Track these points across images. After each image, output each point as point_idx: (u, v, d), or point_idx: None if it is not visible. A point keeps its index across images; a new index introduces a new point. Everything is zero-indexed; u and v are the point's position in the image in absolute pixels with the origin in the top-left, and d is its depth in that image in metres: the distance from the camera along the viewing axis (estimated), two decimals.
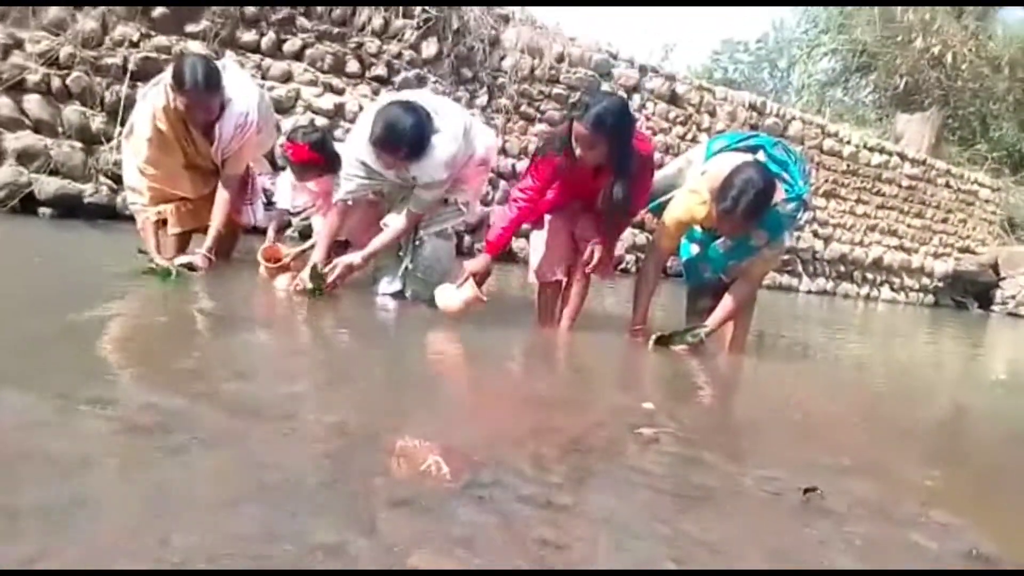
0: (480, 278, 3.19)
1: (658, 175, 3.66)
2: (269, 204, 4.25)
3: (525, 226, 3.51)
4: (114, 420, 1.45)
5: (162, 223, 3.65)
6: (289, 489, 1.26)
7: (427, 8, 7.05)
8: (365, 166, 3.35)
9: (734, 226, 3.08)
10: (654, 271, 3.50)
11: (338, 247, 3.83)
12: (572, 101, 2.93)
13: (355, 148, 3.38)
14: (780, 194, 3.12)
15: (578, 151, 3.05)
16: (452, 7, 7.21)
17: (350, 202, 3.45)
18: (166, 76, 3.45)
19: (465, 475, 1.40)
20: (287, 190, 4.04)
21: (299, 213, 4.23)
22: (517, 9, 8.04)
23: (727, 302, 3.34)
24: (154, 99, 3.48)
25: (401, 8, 6.98)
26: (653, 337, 3.31)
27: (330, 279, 3.32)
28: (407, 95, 3.59)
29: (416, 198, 3.42)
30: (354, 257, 3.39)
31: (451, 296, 3.17)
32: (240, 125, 3.55)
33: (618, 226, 3.45)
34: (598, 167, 3.13)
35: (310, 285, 3.26)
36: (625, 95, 8.59)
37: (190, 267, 3.43)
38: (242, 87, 3.62)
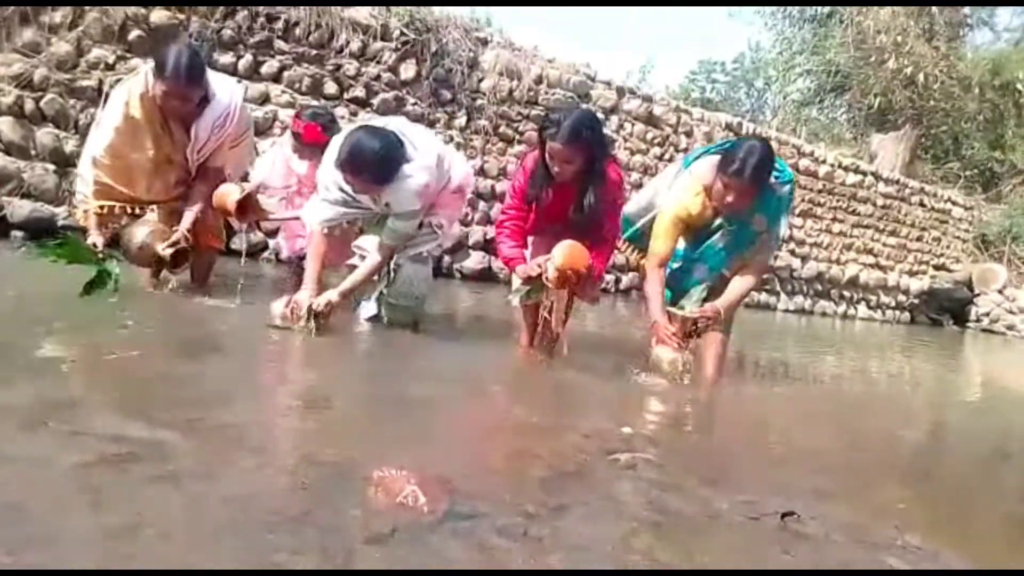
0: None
1: (634, 201, 3.69)
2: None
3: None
4: (86, 451, 1.43)
5: (104, 218, 3.47)
6: (264, 522, 1.24)
7: (405, 31, 7.08)
8: (342, 191, 3.33)
9: (742, 193, 3.07)
10: (657, 274, 3.37)
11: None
12: (541, 121, 3.00)
13: (332, 172, 3.33)
14: (772, 179, 3.18)
15: (555, 168, 3.08)
16: (431, 30, 7.25)
17: (325, 231, 3.39)
18: (148, 64, 3.36)
19: (443, 505, 1.39)
20: (270, 169, 3.91)
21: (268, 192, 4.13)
22: (495, 32, 8.10)
23: (735, 286, 3.33)
24: (131, 85, 3.36)
25: (379, 31, 7.00)
26: (672, 310, 3.33)
27: (312, 323, 3.18)
28: (381, 121, 3.58)
29: (389, 229, 3.35)
30: (331, 295, 3.26)
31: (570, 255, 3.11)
32: (218, 125, 3.45)
33: (603, 246, 3.34)
34: (572, 186, 3.14)
35: (310, 323, 3.16)
36: (603, 116, 8.66)
37: (177, 259, 3.37)
38: (226, 87, 3.54)
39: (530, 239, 3.45)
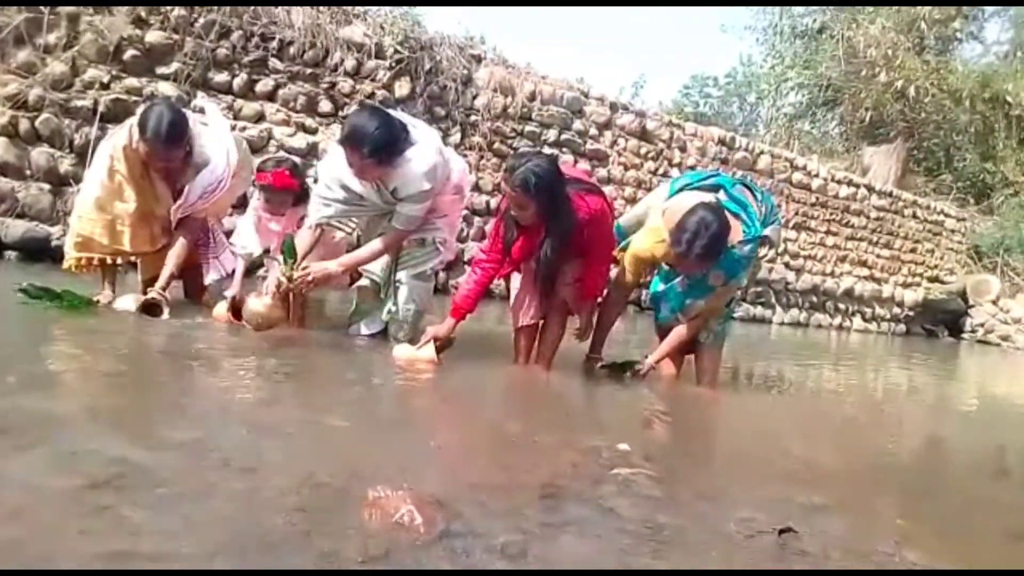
0: (442, 342, 3.22)
1: (628, 214, 3.72)
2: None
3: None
4: (78, 474, 1.41)
5: (91, 270, 3.56)
6: (259, 544, 1.23)
7: (399, 49, 7.12)
8: (345, 188, 3.33)
9: (690, 267, 3.16)
10: (616, 302, 3.61)
11: None
12: (506, 165, 3.05)
13: (334, 168, 3.34)
14: (738, 235, 3.18)
15: (513, 211, 3.14)
16: (425, 48, 7.29)
17: (318, 230, 3.41)
18: (135, 118, 3.43)
19: (439, 525, 1.38)
20: (251, 232, 3.96)
21: (267, 251, 4.16)
22: (489, 49, 8.15)
23: (672, 338, 3.44)
24: (116, 139, 3.43)
25: (373, 49, 7.04)
26: (598, 366, 3.46)
27: (307, 280, 3.22)
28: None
29: (399, 214, 3.34)
30: (330, 265, 3.29)
31: (407, 355, 3.20)
32: (209, 191, 3.53)
33: (591, 293, 3.50)
34: (538, 231, 3.19)
35: (283, 269, 3.20)
36: (596, 131, 8.71)
37: (152, 309, 3.36)
38: (220, 142, 3.56)
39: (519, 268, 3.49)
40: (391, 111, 3.43)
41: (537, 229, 3.19)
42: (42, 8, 5.49)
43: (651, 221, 3.42)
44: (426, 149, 3.28)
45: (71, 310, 3.23)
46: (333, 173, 3.34)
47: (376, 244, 3.38)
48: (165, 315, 3.38)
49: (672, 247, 3.09)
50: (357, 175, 3.26)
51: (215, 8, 6.22)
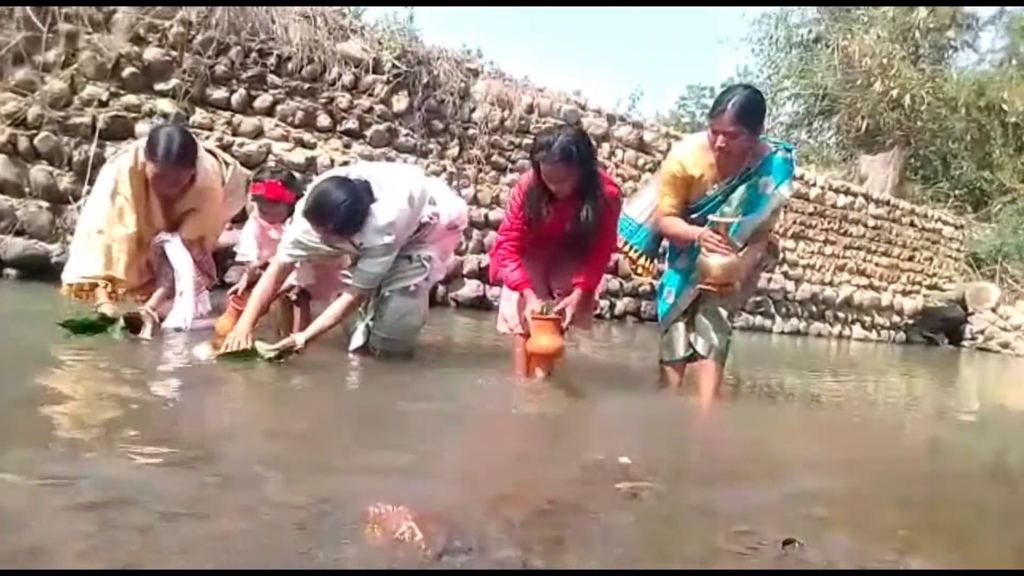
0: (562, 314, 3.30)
1: (636, 204, 3.65)
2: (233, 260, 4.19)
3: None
4: (75, 497, 1.41)
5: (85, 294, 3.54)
6: (259, 561, 1.23)
7: (397, 64, 7.15)
8: (317, 242, 3.32)
9: (729, 135, 3.03)
10: (671, 217, 3.35)
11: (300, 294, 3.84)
12: (532, 145, 3.06)
13: (304, 227, 3.30)
14: (767, 147, 3.24)
15: (553, 187, 3.18)
16: (422, 63, 7.32)
17: (297, 264, 3.41)
18: (141, 140, 3.45)
19: (440, 540, 1.37)
20: (251, 241, 3.97)
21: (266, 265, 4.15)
22: (486, 63, 8.19)
23: (746, 255, 3.23)
24: (121, 162, 3.45)
25: (371, 64, 7.07)
26: (714, 218, 3.16)
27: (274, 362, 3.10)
28: (353, 169, 3.64)
29: (359, 271, 3.32)
30: (298, 339, 3.20)
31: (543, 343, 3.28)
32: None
33: (598, 266, 3.54)
34: (570, 201, 3.25)
35: (259, 351, 3.07)
36: (593, 143, 8.73)
37: (134, 325, 3.33)
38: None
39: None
40: (366, 168, 3.52)
41: (567, 204, 3.26)
42: (41, 26, 5.51)
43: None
44: (389, 204, 3.29)
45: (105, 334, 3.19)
46: (306, 232, 3.30)
47: (336, 308, 3.34)
48: (147, 333, 3.33)
49: (709, 117, 3.15)
50: (322, 241, 3.28)
51: (213, 25, 6.25)
